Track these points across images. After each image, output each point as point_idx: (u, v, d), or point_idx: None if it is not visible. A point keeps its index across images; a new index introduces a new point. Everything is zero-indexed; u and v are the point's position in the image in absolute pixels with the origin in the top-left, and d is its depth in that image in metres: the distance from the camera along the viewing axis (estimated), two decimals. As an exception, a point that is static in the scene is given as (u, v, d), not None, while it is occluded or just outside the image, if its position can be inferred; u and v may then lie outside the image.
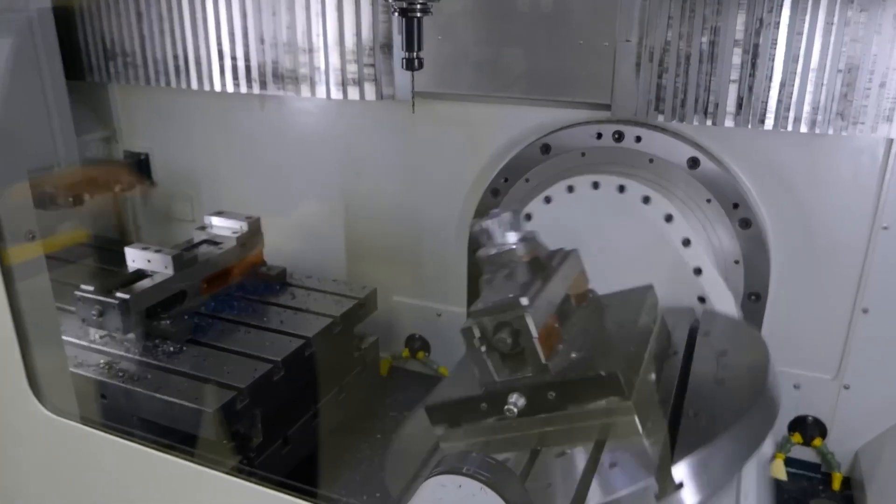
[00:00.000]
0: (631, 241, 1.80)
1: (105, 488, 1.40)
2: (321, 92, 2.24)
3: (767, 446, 1.82)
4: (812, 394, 2.01)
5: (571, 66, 1.93)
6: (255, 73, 2.33)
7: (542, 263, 1.36)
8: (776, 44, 1.73)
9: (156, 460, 1.22)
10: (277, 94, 2.35)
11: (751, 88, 1.78)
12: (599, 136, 2.00)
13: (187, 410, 1.63)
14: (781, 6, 1.70)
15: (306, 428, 1.96)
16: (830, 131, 1.75)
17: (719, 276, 1.80)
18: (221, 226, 2.26)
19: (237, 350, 1.85)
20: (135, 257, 2.00)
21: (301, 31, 2.21)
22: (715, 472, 1.16)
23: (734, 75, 1.79)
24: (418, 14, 1.63)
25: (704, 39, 1.79)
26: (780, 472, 1.91)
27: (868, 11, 1.63)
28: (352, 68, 2.18)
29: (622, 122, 1.98)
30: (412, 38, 1.65)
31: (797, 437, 2.04)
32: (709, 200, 1.90)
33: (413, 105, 1.86)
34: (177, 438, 1.75)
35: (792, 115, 1.76)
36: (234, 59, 2.35)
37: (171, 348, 1.85)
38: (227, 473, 1.15)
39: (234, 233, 2.22)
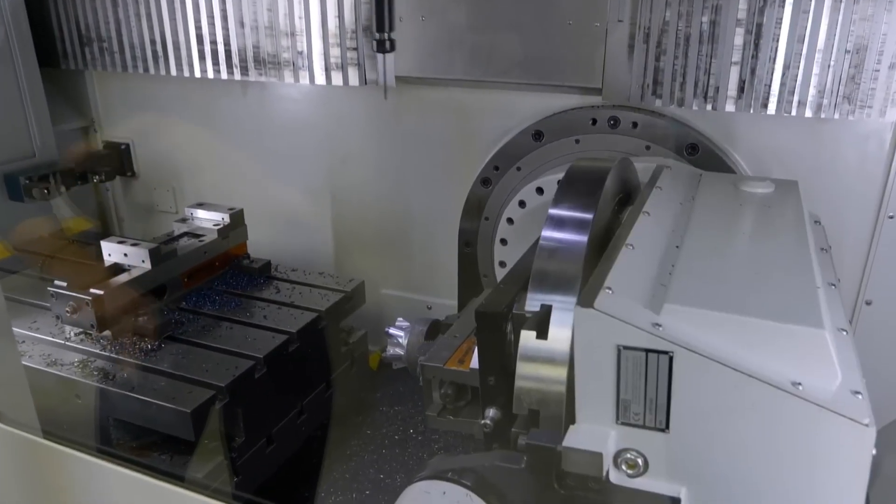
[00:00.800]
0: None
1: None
2: (304, 77, 2.16)
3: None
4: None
5: (560, 47, 1.85)
6: (235, 59, 2.24)
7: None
8: (780, 23, 1.66)
9: (124, 478, 1.14)
10: (259, 80, 2.26)
11: (753, 71, 1.71)
12: (594, 122, 1.93)
13: (164, 410, 1.57)
14: (786, -17, 1.62)
15: (292, 426, 1.91)
16: (836, 116, 1.68)
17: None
18: (203, 217, 2.20)
19: (218, 347, 1.79)
20: (111, 251, 1.95)
21: (282, 13, 2.12)
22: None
23: (736, 57, 1.72)
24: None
25: (705, 19, 1.72)
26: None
27: (877, -12, 1.56)
28: (335, 52, 2.09)
29: (618, 107, 1.90)
30: (382, 18, 1.56)
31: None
32: (708, 188, 1.84)
33: (385, 91, 1.77)
34: (155, 439, 1.70)
35: (796, 98, 1.69)
36: (213, 43, 2.26)
37: (149, 345, 1.78)
38: (195, 491, 1.07)
39: (215, 225, 2.16)
